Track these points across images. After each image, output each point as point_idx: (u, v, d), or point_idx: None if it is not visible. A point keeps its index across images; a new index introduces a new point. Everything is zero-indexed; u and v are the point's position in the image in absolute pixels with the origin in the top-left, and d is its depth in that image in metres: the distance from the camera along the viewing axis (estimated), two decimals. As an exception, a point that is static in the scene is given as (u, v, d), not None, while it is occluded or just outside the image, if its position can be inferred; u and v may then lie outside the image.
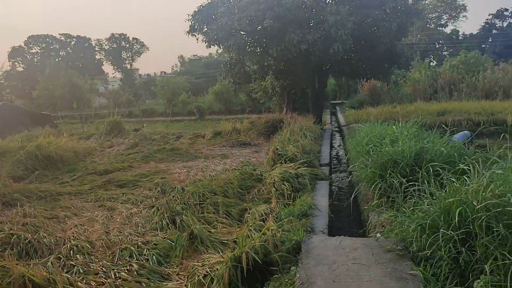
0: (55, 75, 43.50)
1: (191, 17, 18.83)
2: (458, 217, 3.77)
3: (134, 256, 5.46)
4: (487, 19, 69.53)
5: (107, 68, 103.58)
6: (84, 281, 4.61)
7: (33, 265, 4.83)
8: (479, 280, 3.36)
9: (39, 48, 71.73)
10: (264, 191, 8.02)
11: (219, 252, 5.42)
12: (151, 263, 5.29)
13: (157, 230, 6.45)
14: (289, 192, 7.36)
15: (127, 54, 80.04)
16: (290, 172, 8.16)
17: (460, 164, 5.11)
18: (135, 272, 5.01)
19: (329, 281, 3.78)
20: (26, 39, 70.39)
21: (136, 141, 16.12)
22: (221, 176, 9.08)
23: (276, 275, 4.31)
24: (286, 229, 5.35)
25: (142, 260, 5.35)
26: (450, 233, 3.77)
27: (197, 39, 19.12)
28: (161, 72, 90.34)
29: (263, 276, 4.47)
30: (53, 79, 42.57)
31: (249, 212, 6.86)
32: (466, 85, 27.14)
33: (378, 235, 4.93)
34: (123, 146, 15.62)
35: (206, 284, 4.41)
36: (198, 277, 4.57)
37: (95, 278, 4.78)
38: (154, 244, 5.80)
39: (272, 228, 5.15)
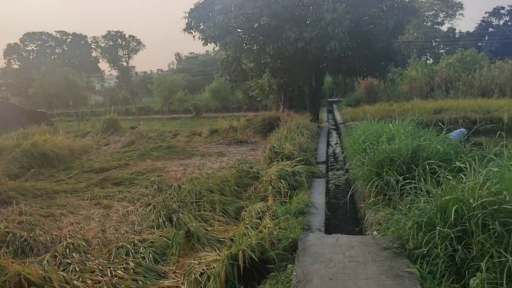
0: (51, 73, 43.31)
1: (187, 15, 18.81)
2: (454, 215, 3.78)
3: (131, 254, 5.45)
4: (483, 17, 69.77)
5: (103, 65, 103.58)
6: (80, 279, 4.59)
7: (29, 263, 4.81)
8: (475, 278, 3.37)
9: (34, 45, 71.44)
10: (260, 189, 8.02)
11: (215, 250, 5.41)
12: (147, 261, 5.27)
13: (154, 228, 6.44)
14: (286, 190, 7.36)
15: (123, 52, 79.79)
16: (287, 170, 8.16)
17: (456, 162, 5.12)
18: (132, 270, 5.00)
19: (325, 278, 3.78)
20: (21, 37, 70.15)
21: (133, 139, 16.09)
22: (217, 174, 9.07)
23: (273, 273, 4.31)
24: (283, 227, 5.35)
25: (139, 258, 5.33)
26: (447, 230, 3.77)
27: (193, 37, 19.11)
28: (157, 69, 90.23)
29: (260, 274, 4.47)
30: (49, 77, 42.36)
31: (245, 210, 6.85)
32: (462, 83, 27.24)
33: (375, 233, 4.94)
34: (119, 144, 15.58)
35: (203, 282, 4.41)
36: (194, 275, 4.57)
37: (91, 276, 4.76)
38: (151, 242, 5.79)
39: (268, 226, 5.15)
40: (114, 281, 4.68)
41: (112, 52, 77.36)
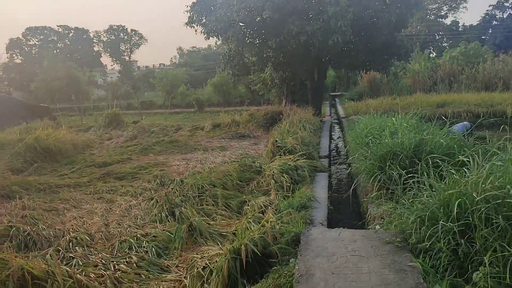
0: (53, 67, 43.30)
1: (189, 8, 18.70)
2: (457, 209, 3.77)
3: (133, 248, 5.47)
4: (487, 10, 69.12)
5: (106, 60, 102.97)
6: (83, 273, 4.61)
7: (32, 257, 4.84)
8: (478, 272, 3.36)
9: (37, 40, 71.34)
10: (263, 183, 8.02)
11: (218, 244, 5.43)
12: (150, 255, 5.30)
13: (156, 222, 6.46)
14: (288, 184, 7.35)
15: (125, 46, 79.66)
16: (289, 164, 8.15)
17: (459, 156, 5.09)
18: (135, 264, 5.03)
19: (328, 272, 3.78)
20: (24, 31, 70.04)
21: (135, 134, 16.12)
22: (220, 168, 9.08)
23: (275, 267, 4.31)
24: (285, 221, 5.35)
25: (141, 252, 5.36)
26: (449, 225, 3.76)
27: (195, 31, 19.00)
28: (159, 64, 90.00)
29: (262, 268, 4.47)
30: (51, 71, 42.36)
31: (248, 204, 6.86)
32: (466, 76, 27.05)
33: (377, 227, 4.94)
34: (122, 138, 15.61)
35: (205, 276, 4.42)
36: (197, 269, 4.58)
37: (94, 270, 4.78)
38: (153, 236, 5.81)
39: (271, 220, 5.15)
40: (117, 275, 4.70)
41: (114, 47, 77.26)
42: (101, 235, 6.04)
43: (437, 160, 5.33)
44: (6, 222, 6.18)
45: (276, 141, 9.94)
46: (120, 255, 5.33)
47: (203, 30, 18.30)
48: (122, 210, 7.18)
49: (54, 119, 22.88)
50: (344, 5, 15.02)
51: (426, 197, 4.42)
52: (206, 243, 5.54)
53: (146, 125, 18.45)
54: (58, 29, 73.32)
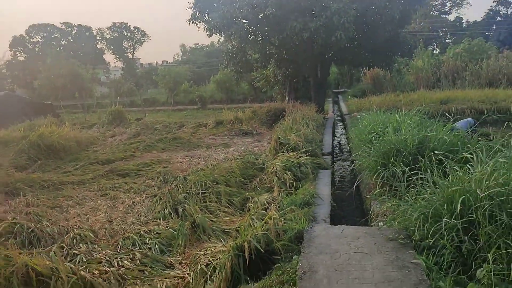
0: (56, 65, 43.39)
1: (192, 5, 18.70)
2: (461, 206, 3.75)
3: (137, 245, 5.49)
4: (491, 6, 68.80)
5: (109, 57, 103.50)
6: (87, 270, 4.63)
7: (36, 254, 4.85)
8: (482, 269, 3.35)
9: (40, 37, 71.36)
10: (266, 180, 8.03)
11: (221, 241, 5.44)
12: (153, 252, 5.32)
13: (160, 219, 6.48)
14: (291, 181, 7.36)
15: (128, 43, 79.61)
16: (292, 161, 8.15)
17: (463, 153, 5.08)
18: (138, 261, 5.05)
19: (331, 269, 3.78)
20: (27, 28, 70.09)
21: (138, 131, 16.14)
22: (223, 165, 9.09)
23: (278, 264, 4.31)
24: (288, 218, 5.35)
25: (145, 249, 5.38)
26: (453, 221, 3.75)
27: (198, 28, 19.01)
28: (162, 61, 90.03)
29: (265, 265, 4.48)
30: (55, 69, 42.45)
31: (251, 201, 6.87)
32: (469, 73, 26.94)
33: (381, 224, 4.93)
34: (125, 135, 15.63)
35: (209, 273, 4.43)
36: (200, 265, 4.59)
37: (98, 267, 4.80)
38: (157, 233, 5.83)
39: (274, 217, 5.15)
40: (121, 272, 4.73)
41: (117, 44, 77.22)
42: (104, 232, 6.06)
43: (441, 157, 5.31)
44: (10, 219, 6.20)
45: (279, 138, 9.93)
46: (123, 251, 5.35)
47: (205, 27, 18.30)
48: (125, 207, 7.20)
49: (58, 116, 22.93)
50: (347, 1, 15.00)
51: (430, 194, 4.40)
52: (209, 240, 5.55)
53: (149, 122, 18.47)
54: (61, 26, 73.36)
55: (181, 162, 10.65)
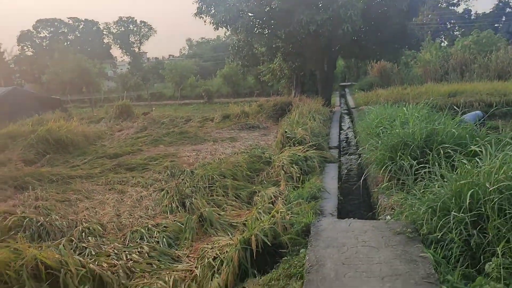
0: (64, 59, 43.58)
1: (198, -1, 18.63)
2: (469, 199, 3.73)
3: (145, 238, 5.53)
4: (500, -2, 67.86)
5: (115, 52, 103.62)
6: (96, 263, 4.67)
7: (45, 247, 4.90)
8: (491, 263, 3.33)
9: (47, 32, 71.64)
10: (273, 174, 8.03)
11: (228, 235, 5.46)
12: (161, 245, 5.35)
13: (167, 213, 6.51)
14: (298, 175, 7.35)
15: (135, 38, 79.70)
16: (299, 155, 8.14)
17: (471, 146, 5.04)
18: (146, 254, 5.08)
19: (338, 263, 3.78)
20: (34, 23, 70.39)
21: (145, 125, 16.20)
22: (230, 159, 9.10)
23: (286, 257, 4.32)
24: (295, 212, 5.35)
25: (153, 242, 5.41)
26: (461, 215, 3.73)
27: (204, 21, 18.94)
28: (169, 55, 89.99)
29: (273, 258, 4.49)
30: (62, 64, 42.64)
31: (258, 195, 6.88)
32: (478, 65, 26.62)
33: (388, 217, 4.91)
34: (132, 129, 15.70)
35: (216, 266, 4.45)
36: (208, 259, 4.61)
37: (107, 260, 4.84)
38: (164, 226, 5.86)
39: (281, 210, 5.15)
40: (129, 265, 4.77)
41: (124, 38, 77.34)
42: (113, 225, 6.11)
43: (449, 150, 5.27)
44: (19, 212, 6.27)
45: (286, 132, 9.92)
46: (132, 245, 5.39)
47: (212, 21, 18.24)
48: (133, 201, 7.25)
49: (66, 111, 23.09)
50: (354, -6, 14.87)
51: (438, 187, 4.38)
52: (217, 234, 5.57)
53: (156, 117, 18.52)
54: (68, 21, 73.61)
55: (188, 156, 10.68)
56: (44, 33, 71.43)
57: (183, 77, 40.38)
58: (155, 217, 6.43)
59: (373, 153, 6.93)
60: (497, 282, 3.16)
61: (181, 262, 4.98)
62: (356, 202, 7.32)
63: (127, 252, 5.11)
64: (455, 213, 3.79)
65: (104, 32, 78.16)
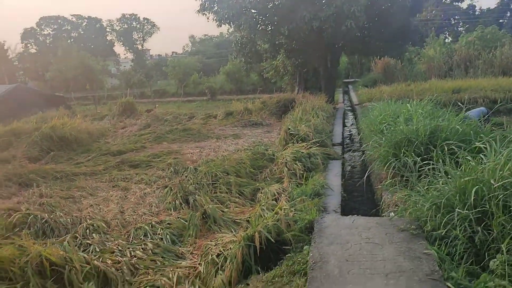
0: (67, 57, 43.69)
1: (201, -4, 18.58)
2: (474, 196, 3.72)
3: (149, 235, 5.54)
4: (505, -7, 67.37)
5: (119, 49, 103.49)
6: (100, 260, 4.69)
7: (50, 244, 4.91)
8: (495, 259, 3.32)
9: (51, 29, 71.76)
10: (276, 170, 8.02)
11: (232, 232, 5.46)
12: (165, 242, 5.36)
13: (171, 209, 6.52)
14: (301, 172, 7.34)
15: (138, 35, 79.68)
16: (302, 152, 8.12)
17: (476, 142, 5.01)
18: (150, 251, 5.10)
19: (342, 260, 3.78)
20: (38, 21, 70.53)
21: (149, 122, 16.21)
22: (233, 156, 9.09)
23: (289, 254, 4.32)
24: (299, 209, 5.35)
25: (157, 239, 5.43)
26: (466, 212, 3.72)
27: (207, 18, 18.89)
28: (172, 52, 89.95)
29: (276, 255, 4.49)
30: (66, 61, 42.77)
31: (261, 192, 6.88)
32: (482, 61, 26.51)
33: (392, 214, 4.91)
34: (135, 127, 15.72)
35: (220, 263, 4.46)
36: (211, 256, 4.62)
37: (111, 257, 4.86)
38: (168, 223, 5.87)
39: (284, 207, 5.16)
40: (133, 262, 4.78)
41: (127, 36, 77.34)
42: (117, 222, 6.12)
43: (453, 147, 5.26)
44: (24, 209, 6.30)
45: (289, 128, 9.90)
46: (135, 242, 5.40)
47: (215, 18, 18.18)
48: (137, 198, 7.26)
49: (69, 108, 23.15)
50: (357, -10, 14.79)
51: (442, 184, 4.37)
52: (220, 231, 5.58)
53: (160, 114, 18.53)
54: (71, 18, 73.68)
55: (191, 153, 10.69)
56: (47, 30, 71.57)
57: (186, 74, 40.41)
58: (158, 214, 6.44)
59: (377, 149, 6.91)
60: (502, 279, 3.15)
61: (184, 259, 4.99)
62: (360, 199, 7.31)
63: (131, 249, 5.12)
64: (459, 210, 3.78)
65: (107, 29, 78.21)
